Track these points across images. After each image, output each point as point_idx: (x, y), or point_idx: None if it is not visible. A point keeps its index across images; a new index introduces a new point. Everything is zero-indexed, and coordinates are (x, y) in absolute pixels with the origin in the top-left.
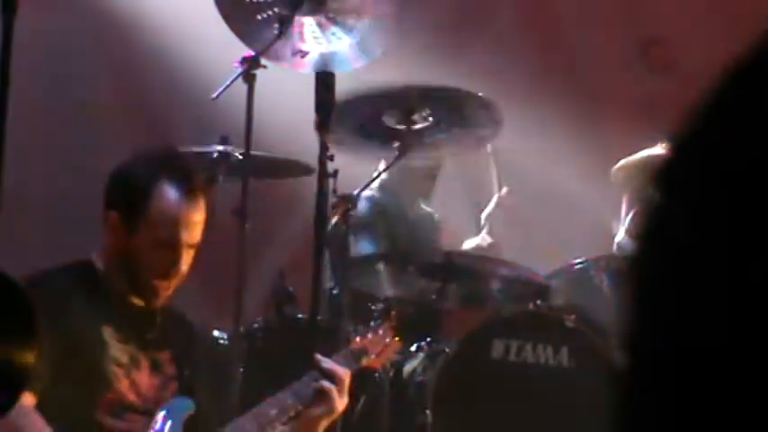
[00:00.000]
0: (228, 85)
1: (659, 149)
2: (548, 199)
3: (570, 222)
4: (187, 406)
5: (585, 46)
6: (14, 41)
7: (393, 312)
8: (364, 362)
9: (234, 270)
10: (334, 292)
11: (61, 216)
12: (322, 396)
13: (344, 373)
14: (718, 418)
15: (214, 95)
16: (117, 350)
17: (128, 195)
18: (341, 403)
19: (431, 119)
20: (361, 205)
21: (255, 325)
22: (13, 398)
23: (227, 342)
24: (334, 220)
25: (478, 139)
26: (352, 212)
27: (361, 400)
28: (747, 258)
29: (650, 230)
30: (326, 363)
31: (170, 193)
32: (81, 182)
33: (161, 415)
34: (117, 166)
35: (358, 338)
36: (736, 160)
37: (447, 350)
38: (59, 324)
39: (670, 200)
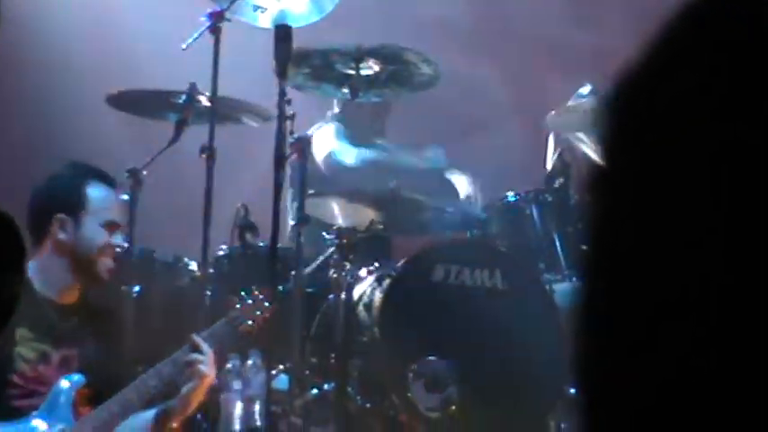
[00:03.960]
0: (197, 38)
1: (586, 97)
2: (488, 140)
3: (506, 160)
4: (75, 383)
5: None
6: None
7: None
8: (241, 328)
9: (202, 204)
10: (293, 222)
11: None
12: (192, 367)
13: (200, 357)
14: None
15: (184, 46)
16: (27, 348)
17: (68, 196)
18: (209, 372)
19: (376, 68)
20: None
21: (221, 252)
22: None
23: (195, 268)
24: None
25: (419, 84)
26: (307, 151)
27: (317, 320)
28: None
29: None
30: (196, 338)
31: (101, 185)
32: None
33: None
34: (43, 183)
35: (237, 306)
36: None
37: (393, 273)
38: None
39: (621, 130)
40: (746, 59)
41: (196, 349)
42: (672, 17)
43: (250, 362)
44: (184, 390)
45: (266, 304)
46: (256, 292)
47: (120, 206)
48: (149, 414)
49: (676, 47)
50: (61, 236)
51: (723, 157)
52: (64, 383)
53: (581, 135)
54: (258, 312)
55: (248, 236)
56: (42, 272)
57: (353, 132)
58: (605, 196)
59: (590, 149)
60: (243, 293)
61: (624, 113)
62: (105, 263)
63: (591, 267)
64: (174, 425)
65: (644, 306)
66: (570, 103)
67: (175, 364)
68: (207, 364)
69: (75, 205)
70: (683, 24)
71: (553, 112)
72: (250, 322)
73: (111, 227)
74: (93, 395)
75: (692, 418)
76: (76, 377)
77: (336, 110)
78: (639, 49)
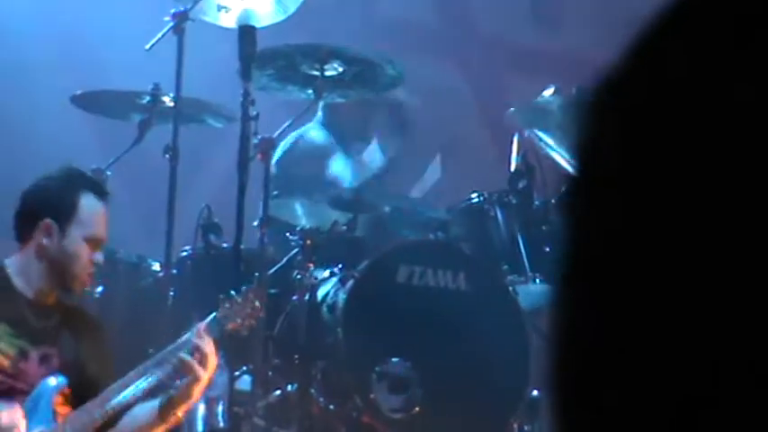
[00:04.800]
0: (161, 38)
1: (549, 96)
2: (449, 142)
3: (469, 161)
4: (57, 385)
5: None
6: None
7: (262, 280)
8: (230, 326)
9: (165, 204)
10: (256, 223)
11: None
12: (184, 367)
13: (205, 345)
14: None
15: (147, 46)
16: (6, 344)
17: (58, 203)
18: (204, 371)
19: (341, 69)
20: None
21: (184, 253)
22: None
23: (159, 269)
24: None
25: (383, 85)
26: (271, 152)
27: (280, 320)
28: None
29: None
30: (189, 336)
31: (93, 197)
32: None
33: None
34: (36, 185)
35: (227, 305)
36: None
37: (356, 275)
38: None
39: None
40: (732, 54)
41: (196, 348)
42: (651, 17)
43: None
44: (185, 381)
45: (256, 304)
46: (247, 292)
47: (105, 220)
48: (154, 403)
49: (657, 47)
50: (44, 241)
51: (714, 157)
52: (47, 384)
53: (544, 136)
54: (248, 311)
55: (212, 237)
56: (22, 271)
57: (336, 135)
58: (586, 201)
59: (555, 152)
60: (233, 292)
61: (604, 115)
62: (82, 278)
63: (574, 273)
64: (180, 413)
65: (634, 315)
66: (533, 101)
67: (162, 365)
68: (201, 365)
69: (64, 213)
70: (665, 23)
71: (513, 108)
72: (239, 320)
73: (94, 243)
74: (71, 395)
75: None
76: (60, 379)
77: (320, 113)
78: (617, 49)
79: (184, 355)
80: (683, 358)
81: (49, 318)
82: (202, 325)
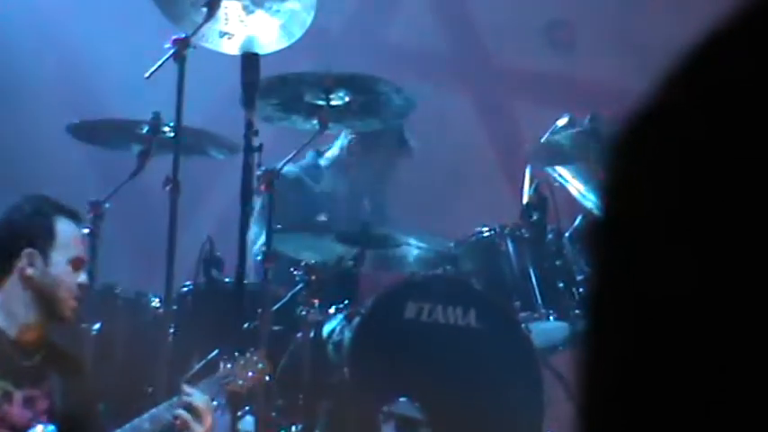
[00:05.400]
0: (160, 65)
1: (563, 129)
2: (459, 172)
3: (480, 193)
4: None
5: (494, 27)
6: None
7: (263, 347)
8: (230, 387)
9: (165, 238)
10: (259, 258)
11: None
12: (181, 425)
13: (203, 404)
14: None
15: (147, 74)
16: None
17: (36, 231)
18: (201, 429)
19: (347, 98)
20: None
21: (185, 288)
22: None
23: (158, 305)
24: (260, 191)
25: (391, 115)
26: (275, 185)
27: (284, 359)
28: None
29: (615, 196)
30: (187, 394)
31: (68, 221)
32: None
33: None
34: (7, 218)
35: (229, 365)
36: (692, 129)
37: (363, 311)
38: None
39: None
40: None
41: (187, 407)
42: (687, 52)
43: (215, 403)
44: None
45: (260, 365)
46: (249, 354)
47: (84, 241)
48: None
49: (697, 83)
50: (29, 271)
51: (754, 201)
52: None
53: (559, 168)
54: (250, 373)
55: (214, 271)
56: (5, 307)
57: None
58: (619, 242)
59: (571, 184)
60: (236, 353)
61: (638, 153)
62: (70, 302)
63: (612, 315)
64: None
65: (668, 363)
66: (549, 136)
67: (157, 422)
68: (198, 423)
69: (43, 240)
70: (700, 60)
71: (530, 145)
72: (240, 382)
73: (76, 263)
74: None
75: None
76: (51, 428)
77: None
78: (651, 84)
79: (179, 411)
80: (718, 406)
81: (33, 357)
82: (203, 383)
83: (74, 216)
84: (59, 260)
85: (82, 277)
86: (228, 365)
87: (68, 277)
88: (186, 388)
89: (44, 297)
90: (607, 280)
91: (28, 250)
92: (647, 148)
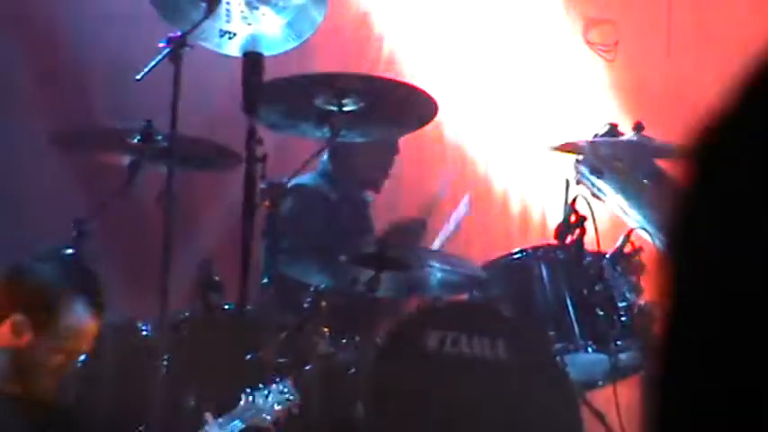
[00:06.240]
0: (154, 66)
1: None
2: (486, 189)
3: (507, 213)
4: None
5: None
6: None
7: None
8: (254, 422)
9: (158, 259)
10: (263, 281)
11: None
12: None
13: None
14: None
15: (138, 76)
16: None
17: (37, 299)
18: None
19: (361, 104)
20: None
21: (180, 315)
22: None
23: (150, 333)
24: (263, 206)
25: (413, 122)
26: (281, 200)
27: None
28: None
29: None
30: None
31: (77, 306)
32: None
33: None
34: (18, 267)
35: (251, 398)
36: None
37: (379, 341)
38: None
39: (711, 181)
40: None
41: None
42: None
43: None
44: None
45: (288, 397)
46: (276, 384)
47: (90, 331)
48: None
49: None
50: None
51: None
52: None
53: (599, 181)
54: (277, 406)
55: (212, 296)
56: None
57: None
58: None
59: (612, 199)
60: (261, 384)
61: (715, 169)
62: (54, 383)
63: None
64: None
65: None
66: (588, 145)
67: None
68: None
69: (39, 309)
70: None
71: (571, 155)
72: (268, 418)
73: (67, 353)
74: None
75: None
76: None
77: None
78: (727, 95)
79: None
80: None
81: (15, 409)
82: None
83: (90, 295)
84: (49, 341)
85: (71, 363)
86: (250, 398)
87: (53, 360)
88: (209, 418)
89: (21, 367)
90: (699, 309)
91: (16, 316)
92: (740, 160)
